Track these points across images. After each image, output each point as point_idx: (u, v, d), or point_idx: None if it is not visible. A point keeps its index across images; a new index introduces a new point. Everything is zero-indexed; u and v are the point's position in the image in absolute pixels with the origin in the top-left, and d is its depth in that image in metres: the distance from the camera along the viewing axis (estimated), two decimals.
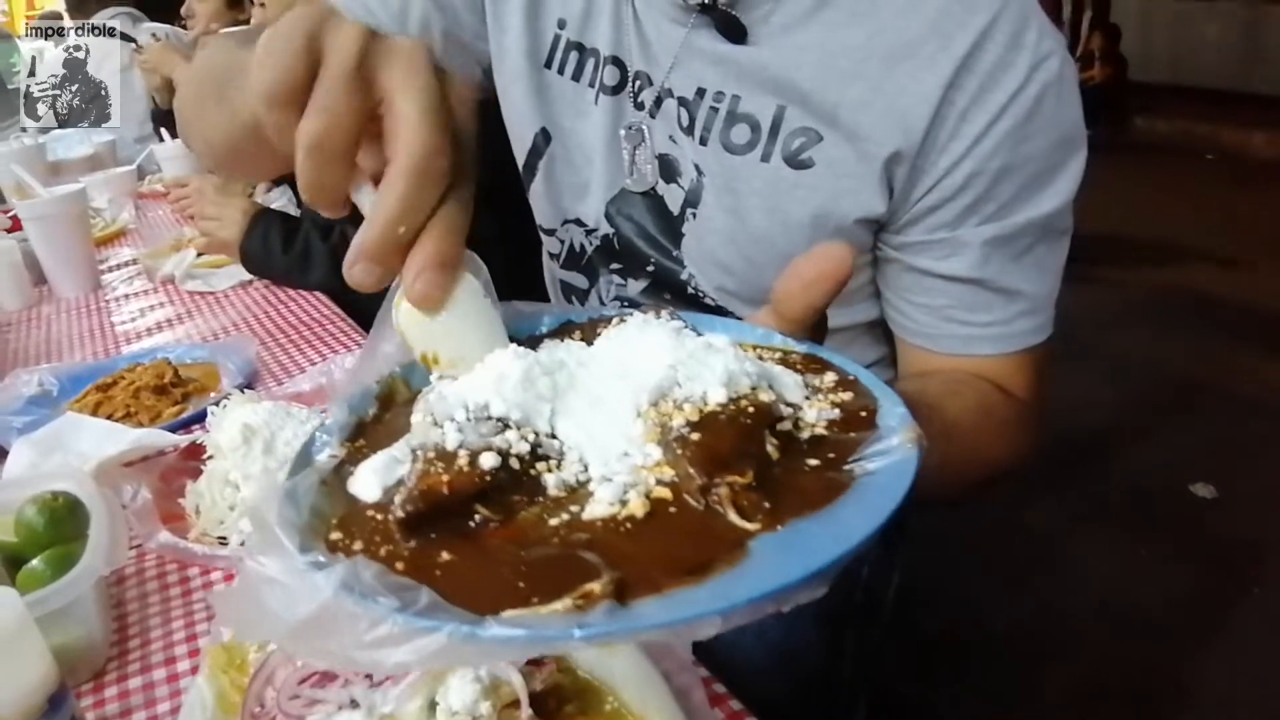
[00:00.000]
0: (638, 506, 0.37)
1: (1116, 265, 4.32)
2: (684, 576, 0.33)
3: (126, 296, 1.76)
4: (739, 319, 0.53)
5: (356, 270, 0.44)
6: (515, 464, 0.39)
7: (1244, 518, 2.58)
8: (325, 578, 0.35)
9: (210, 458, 0.91)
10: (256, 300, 1.63)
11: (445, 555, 0.37)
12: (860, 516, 0.36)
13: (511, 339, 0.49)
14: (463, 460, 0.38)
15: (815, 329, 0.50)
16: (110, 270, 1.94)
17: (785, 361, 0.47)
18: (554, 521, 0.38)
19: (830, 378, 0.46)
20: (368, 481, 0.41)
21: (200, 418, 1.11)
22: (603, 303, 0.99)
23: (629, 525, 0.37)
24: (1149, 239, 4.87)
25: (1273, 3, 7.22)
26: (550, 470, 0.40)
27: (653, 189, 0.90)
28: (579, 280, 1.01)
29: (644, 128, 0.89)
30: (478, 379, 0.43)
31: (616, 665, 0.61)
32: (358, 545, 0.38)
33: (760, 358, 0.46)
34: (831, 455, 0.40)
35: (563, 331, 0.54)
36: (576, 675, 0.61)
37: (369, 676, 0.57)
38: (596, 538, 0.36)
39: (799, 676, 0.96)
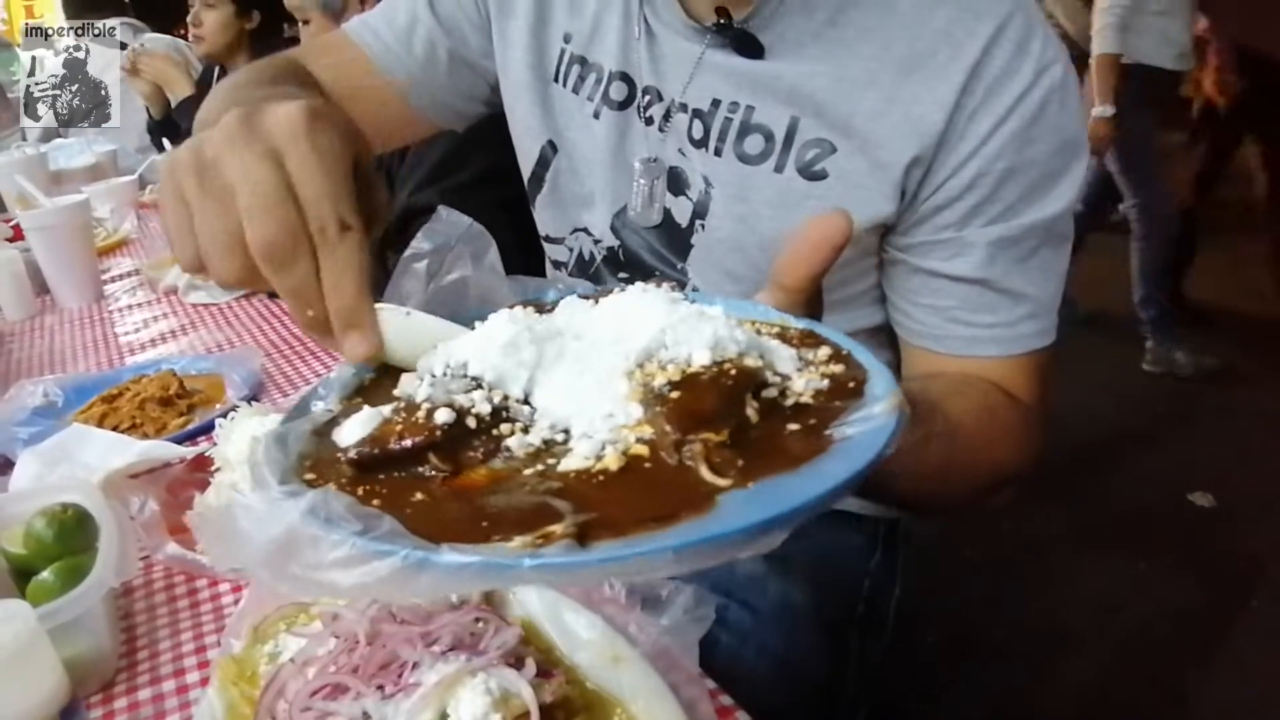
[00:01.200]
0: (612, 460, 0.38)
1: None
2: (648, 524, 0.34)
3: (129, 307, 1.77)
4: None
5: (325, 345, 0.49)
6: (472, 422, 0.41)
7: (1243, 527, 2.58)
8: (294, 503, 0.36)
9: (218, 470, 0.91)
10: (260, 312, 1.64)
11: (419, 495, 0.38)
12: (831, 474, 0.36)
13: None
14: (421, 414, 0.40)
15: (812, 304, 0.51)
16: (113, 280, 1.95)
17: (783, 336, 0.48)
18: (528, 472, 0.39)
19: (824, 352, 0.46)
20: (351, 431, 0.43)
21: (206, 429, 1.12)
22: None
23: (601, 477, 0.37)
24: None
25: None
26: (514, 433, 0.41)
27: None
28: (587, 288, 1.02)
29: (662, 160, 0.90)
30: (471, 337, 0.45)
31: (625, 677, 0.62)
32: (331, 485, 0.39)
33: (759, 332, 0.47)
34: (813, 421, 0.40)
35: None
36: (585, 688, 0.62)
37: (380, 688, 0.57)
38: (568, 486, 0.37)
39: (802, 688, 0.97)
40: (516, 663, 0.58)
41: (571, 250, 1.02)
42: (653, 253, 0.94)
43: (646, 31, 0.89)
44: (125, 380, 1.27)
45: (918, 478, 0.69)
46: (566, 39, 0.95)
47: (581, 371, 0.44)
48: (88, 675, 0.73)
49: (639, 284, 0.51)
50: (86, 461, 1.01)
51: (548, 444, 0.41)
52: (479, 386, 0.42)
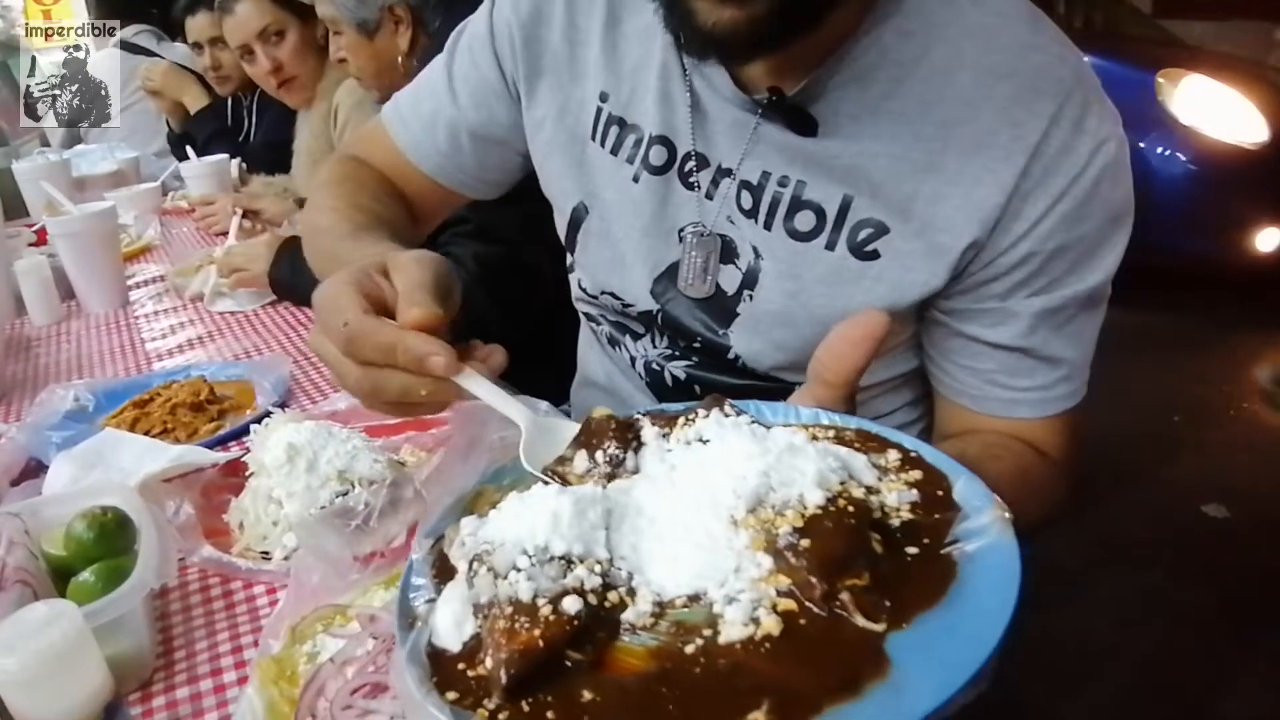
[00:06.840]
0: (772, 624, 0.37)
1: (1129, 287, 4.31)
2: (837, 693, 0.34)
3: (155, 313, 1.79)
4: (788, 387, 0.54)
5: None
6: (593, 599, 0.39)
7: (1257, 539, 2.58)
8: None
9: (252, 475, 0.93)
10: (285, 320, 1.66)
11: (587, 694, 0.36)
12: (983, 605, 0.36)
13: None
14: (545, 610, 0.38)
15: (851, 398, 0.52)
16: (138, 286, 1.97)
17: (841, 439, 0.48)
18: (689, 650, 0.37)
19: (894, 456, 0.47)
20: (448, 633, 0.41)
21: (236, 435, 1.13)
22: (655, 347, 0.99)
23: (767, 645, 0.36)
24: (1159, 260, 4.86)
25: None
26: (623, 602, 0.40)
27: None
28: (636, 327, 1.00)
29: (714, 232, 0.87)
30: (518, 520, 0.42)
31: None
32: (491, 703, 0.37)
33: (814, 437, 0.47)
34: (927, 541, 0.41)
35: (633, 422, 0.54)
36: None
37: None
38: (738, 661, 0.36)
39: None
40: None
41: (608, 306, 1.00)
42: (695, 319, 0.91)
43: (693, 97, 0.86)
44: (155, 386, 1.29)
45: None
46: (603, 98, 0.92)
47: (661, 523, 0.43)
48: (127, 674, 0.75)
49: (713, 415, 0.49)
50: (121, 465, 1.02)
51: (660, 608, 0.40)
52: (571, 564, 0.40)
